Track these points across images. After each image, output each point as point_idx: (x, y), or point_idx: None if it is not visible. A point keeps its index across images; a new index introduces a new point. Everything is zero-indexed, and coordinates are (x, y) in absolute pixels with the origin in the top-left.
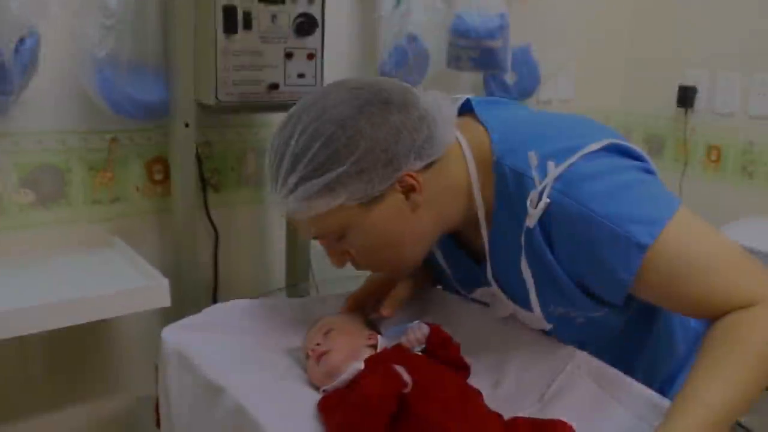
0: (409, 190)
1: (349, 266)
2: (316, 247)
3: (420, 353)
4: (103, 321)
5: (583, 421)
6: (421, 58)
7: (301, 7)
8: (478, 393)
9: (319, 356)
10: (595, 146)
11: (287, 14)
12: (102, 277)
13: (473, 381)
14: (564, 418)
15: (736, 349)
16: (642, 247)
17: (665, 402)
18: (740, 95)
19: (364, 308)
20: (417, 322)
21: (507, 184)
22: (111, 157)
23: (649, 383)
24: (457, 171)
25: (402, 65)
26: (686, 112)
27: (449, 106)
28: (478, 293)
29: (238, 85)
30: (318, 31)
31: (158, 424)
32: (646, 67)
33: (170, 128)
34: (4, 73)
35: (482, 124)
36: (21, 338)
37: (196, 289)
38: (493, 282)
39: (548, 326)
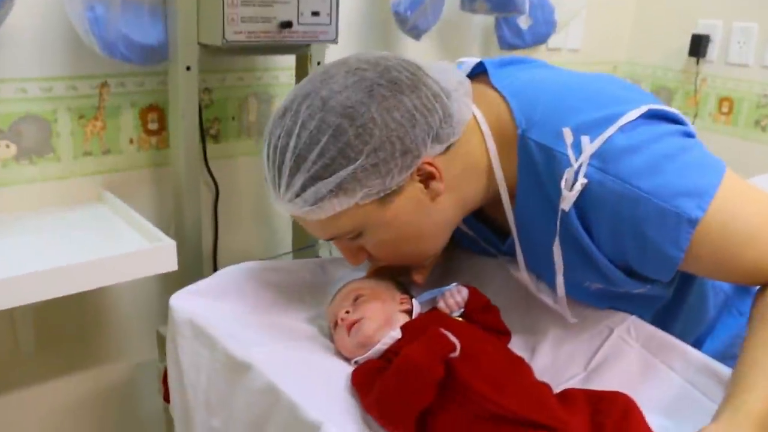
0: (428, 178)
1: None
2: None
3: (459, 318)
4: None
5: (632, 389)
6: None
7: None
8: (525, 362)
9: (351, 326)
10: (632, 115)
11: None
12: (99, 238)
13: (511, 347)
14: (612, 387)
15: None
16: (693, 222)
17: (719, 367)
18: (756, 45)
19: (391, 269)
20: (454, 284)
21: (533, 161)
22: (101, 105)
23: None
24: (475, 149)
25: (417, 5)
26: (698, 62)
27: (463, 79)
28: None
29: (246, 23)
30: None
31: (166, 398)
32: (657, 17)
33: (170, 73)
34: None
35: (498, 92)
36: (11, 308)
37: (196, 249)
38: (520, 263)
39: (570, 320)
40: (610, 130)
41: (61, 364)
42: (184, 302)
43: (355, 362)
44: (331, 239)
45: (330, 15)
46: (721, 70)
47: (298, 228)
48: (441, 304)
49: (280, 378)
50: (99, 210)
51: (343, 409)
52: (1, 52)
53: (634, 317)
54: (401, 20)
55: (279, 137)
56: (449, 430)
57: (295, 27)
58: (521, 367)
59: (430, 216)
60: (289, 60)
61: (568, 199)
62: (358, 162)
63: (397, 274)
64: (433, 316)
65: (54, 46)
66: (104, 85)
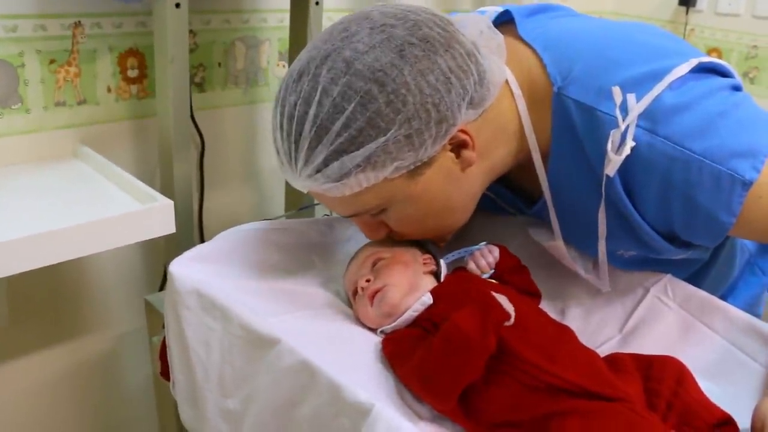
0: (460, 147)
1: None
2: None
3: (491, 280)
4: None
5: (672, 352)
6: None
7: None
8: (569, 327)
9: (373, 295)
10: (682, 69)
11: None
12: (82, 199)
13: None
14: (651, 351)
15: None
16: (747, 185)
17: (764, 325)
18: None
19: None
20: (484, 243)
21: (571, 121)
22: (75, 49)
23: None
24: (505, 110)
25: None
26: (687, 12)
27: (495, 35)
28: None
29: None
30: None
31: (164, 375)
32: None
33: (156, 11)
34: None
35: (529, 45)
36: None
37: (187, 209)
38: (556, 232)
39: (607, 287)
40: (659, 88)
41: (38, 337)
42: (186, 269)
43: (382, 332)
44: (352, 216)
45: None
46: (711, 20)
47: (291, 187)
48: (471, 265)
49: (313, 354)
50: (77, 166)
51: (381, 385)
52: None
53: (669, 276)
54: None
55: (295, 105)
56: (498, 402)
57: None
58: (567, 333)
59: (459, 187)
60: (280, 1)
61: (614, 163)
62: (389, 133)
63: None
64: (464, 278)
65: None
66: (77, 25)
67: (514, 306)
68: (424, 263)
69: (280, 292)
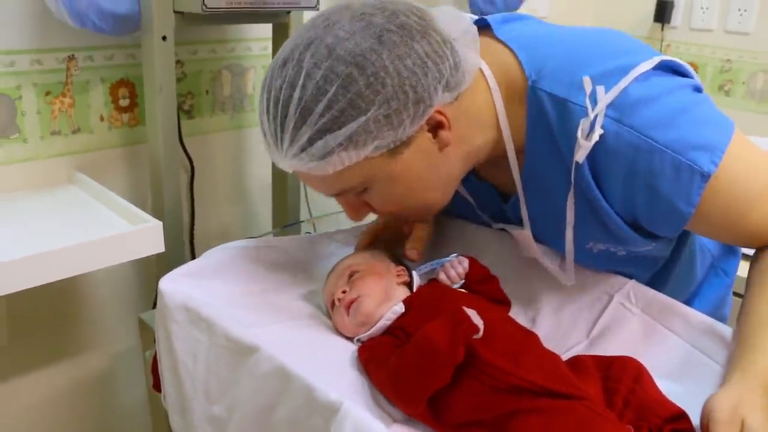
0: (437, 128)
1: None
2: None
3: (460, 290)
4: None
5: (636, 355)
6: None
7: None
8: (533, 332)
9: (349, 305)
10: (645, 65)
11: None
12: (76, 221)
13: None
14: (615, 353)
15: None
16: (705, 177)
17: (722, 328)
18: (719, 11)
19: (382, 243)
20: (454, 255)
21: (544, 113)
22: (69, 81)
23: None
24: (481, 101)
25: None
26: (663, 28)
27: (469, 27)
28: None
29: None
30: None
31: (156, 387)
32: None
33: (144, 44)
34: None
35: (505, 44)
36: None
37: (176, 230)
38: (525, 222)
39: (571, 281)
40: (625, 81)
41: (36, 355)
42: (175, 285)
43: (358, 340)
44: (335, 195)
45: None
46: (686, 35)
47: (278, 206)
48: (442, 276)
49: (289, 360)
50: (72, 192)
51: (354, 388)
52: None
53: (633, 282)
54: None
55: (281, 89)
56: (464, 403)
57: None
58: (532, 338)
59: (438, 167)
60: (263, 30)
61: (584, 149)
62: (369, 113)
63: (391, 247)
64: (435, 288)
65: (16, 16)
66: (71, 58)
67: (481, 316)
68: (398, 274)
69: (263, 304)
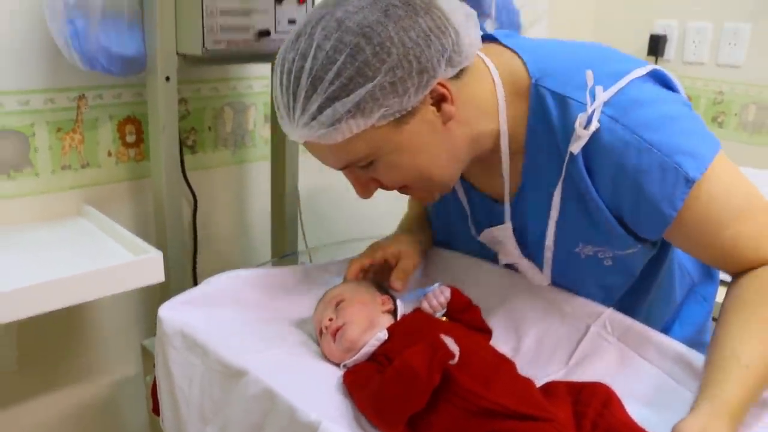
0: (440, 100)
1: (342, 230)
2: (305, 211)
3: (442, 318)
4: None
5: (612, 382)
6: None
7: None
8: (509, 358)
9: (335, 332)
10: (641, 71)
11: None
12: (83, 252)
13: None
14: (592, 380)
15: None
16: (689, 182)
17: (694, 355)
18: (710, 45)
19: (371, 273)
20: (437, 284)
21: (546, 108)
22: (79, 118)
23: None
24: (486, 92)
25: None
26: (656, 61)
27: (470, 12)
28: (487, 235)
29: (226, 32)
30: None
31: (155, 411)
32: (617, 18)
33: (149, 84)
34: None
35: (510, 49)
36: None
37: (178, 260)
38: (508, 219)
39: (546, 281)
40: (622, 83)
41: (44, 381)
42: (174, 313)
43: (344, 366)
44: (344, 168)
45: None
46: (679, 68)
47: (276, 237)
48: (425, 305)
49: (276, 382)
50: (80, 224)
51: (339, 411)
52: None
53: (610, 310)
54: None
55: (293, 60)
56: (440, 425)
57: (273, 35)
58: (506, 363)
59: (441, 142)
60: (263, 69)
61: (581, 140)
62: (376, 80)
63: (379, 277)
64: (418, 317)
65: (31, 59)
66: (82, 97)
67: (458, 344)
68: (383, 303)
69: (257, 331)
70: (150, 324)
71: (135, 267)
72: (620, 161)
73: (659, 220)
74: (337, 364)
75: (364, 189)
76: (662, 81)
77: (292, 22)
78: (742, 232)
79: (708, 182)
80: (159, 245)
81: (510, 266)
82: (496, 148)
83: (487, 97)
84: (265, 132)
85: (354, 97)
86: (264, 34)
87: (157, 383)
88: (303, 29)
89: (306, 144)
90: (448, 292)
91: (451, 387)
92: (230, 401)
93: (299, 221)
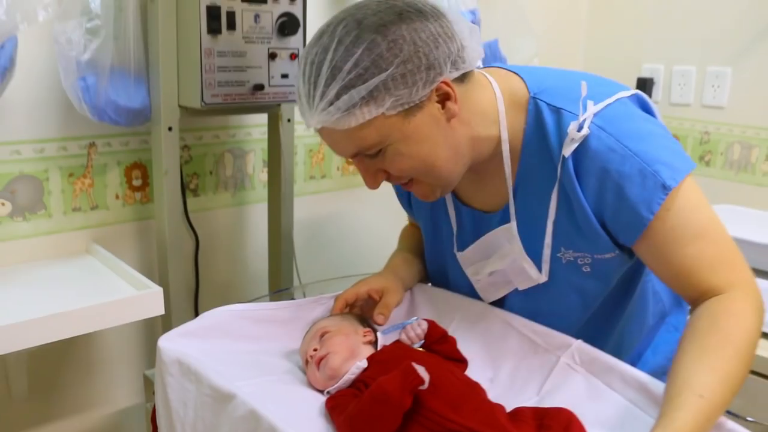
0: (444, 98)
1: (333, 267)
2: (300, 249)
3: (420, 349)
4: (85, 334)
5: (580, 409)
6: None
7: (283, 7)
8: (481, 387)
9: (319, 361)
10: (625, 93)
11: (270, 14)
12: (90, 287)
13: (468, 375)
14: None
15: (722, 341)
16: (666, 189)
17: (655, 384)
18: (695, 87)
19: (357, 307)
20: (415, 318)
21: (542, 118)
22: (90, 164)
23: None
24: (487, 101)
25: None
26: None
27: (473, 27)
28: (470, 250)
29: (223, 87)
30: (300, 30)
31: None
32: (605, 62)
33: (153, 133)
34: None
35: (511, 71)
36: (3, 357)
37: (180, 296)
38: (513, 218)
39: (543, 278)
40: (609, 100)
41: (53, 409)
42: (172, 343)
43: (328, 393)
44: (355, 155)
45: None
46: (667, 110)
47: (273, 274)
48: (403, 337)
49: (261, 405)
50: (88, 261)
51: (314, 426)
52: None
53: (578, 342)
54: None
55: (316, 54)
56: None
57: (267, 89)
58: (476, 390)
59: (445, 137)
60: (261, 118)
61: (573, 143)
62: (388, 71)
63: (363, 312)
64: (396, 347)
65: (46, 111)
66: (92, 145)
67: (430, 371)
68: (364, 335)
69: (248, 361)
70: (152, 355)
71: (137, 301)
72: (605, 166)
73: (637, 223)
74: (321, 391)
75: (373, 179)
76: (642, 105)
77: (285, 76)
78: (703, 253)
79: (679, 196)
80: (161, 282)
81: (495, 275)
82: (493, 155)
83: (488, 105)
84: (263, 176)
85: (368, 86)
86: (258, 88)
87: (156, 408)
88: (326, 28)
89: (322, 131)
90: (425, 325)
91: (422, 410)
92: (220, 423)
93: (293, 259)
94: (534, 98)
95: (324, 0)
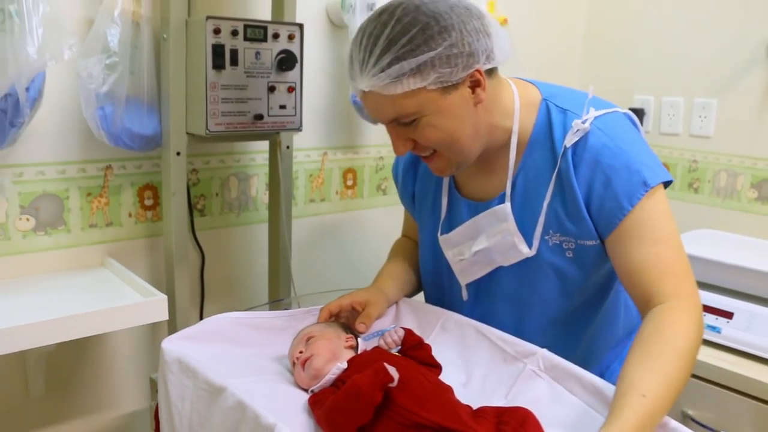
0: (475, 85)
1: (329, 283)
2: (299, 266)
3: (397, 354)
4: (98, 339)
5: (542, 412)
6: None
7: (282, 45)
8: (450, 387)
9: (304, 362)
10: (620, 109)
11: (270, 51)
12: (102, 294)
13: (443, 380)
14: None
15: (665, 346)
16: (647, 185)
17: (609, 389)
18: (683, 117)
19: (343, 317)
20: (393, 326)
21: (550, 117)
22: (106, 185)
23: (586, 367)
24: (506, 97)
25: None
26: None
27: (503, 30)
28: (458, 231)
29: (225, 116)
30: (297, 66)
31: (157, 430)
32: (599, 94)
33: (163, 157)
34: (18, 107)
35: (528, 81)
36: (24, 357)
37: (185, 305)
38: (508, 199)
39: (532, 252)
40: (609, 110)
41: (67, 409)
42: (173, 345)
43: (311, 391)
44: (392, 121)
45: (295, 108)
46: (657, 139)
47: (272, 287)
48: (381, 342)
49: (247, 397)
50: (102, 273)
51: (302, 425)
52: (26, 142)
53: (543, 351)
54: (358, 108)
55: (375, 27)
56: None
57: (266, 119)
58: (443, 390)
59: (470, 118)
60: (264, 144)
61: (577, 134)
62: (437, 51)
63: (347, 321)
64: (375, 351)
65: (68, 137)
66: (108, 167)
67: (401, 372)
68: (346, 340)
69: (242, 362)
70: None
71: (143, 307)
72: (598, 158)
73: (617, 212)
74: (306, 390)
75: (402, 146)
76: (632, 123)
77: (282, 107)
78: (659, 257)
79: (654, 199)
80: (168, 292)
81: (481, 253)
82: (501, 146)
83: (507, 101)
84: (265, 198)
85: (418, 60)
86: (258, 117)
87: (159, 404)
88: (386, 8)
89: (367, 96)
90: (401, 332)
91: (392, 405)
92: (212, 413)
93: (290, 273)
94: (546, 101)
95: (319, 39)
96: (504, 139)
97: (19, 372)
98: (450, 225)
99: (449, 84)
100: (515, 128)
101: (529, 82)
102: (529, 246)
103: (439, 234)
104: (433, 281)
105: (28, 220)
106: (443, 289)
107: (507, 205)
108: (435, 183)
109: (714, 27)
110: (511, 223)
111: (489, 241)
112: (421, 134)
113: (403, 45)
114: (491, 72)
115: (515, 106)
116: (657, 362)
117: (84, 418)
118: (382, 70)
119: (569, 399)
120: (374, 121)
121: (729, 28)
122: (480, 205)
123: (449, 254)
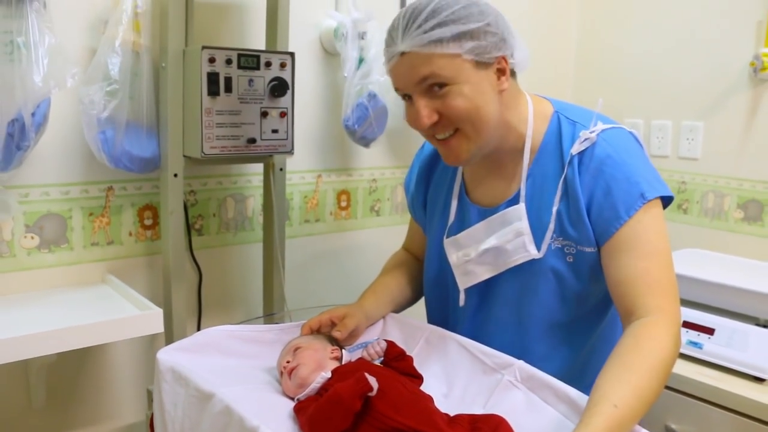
0: (501, 73)
1: (321, 299)
2: (293, 284)
3: (379, 365)
4: (98, 352)
5: (517, 421)
6: (380, 113)
7: (274, 73)
8: (429, 396)
9: (291, 371)
10: (626, 127)
11: (262, 78)
12: (102, 308)
13: (426, 390)
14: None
15: (640, 360)
16: (644, 198)
17: (582, 399)
18: (671, 140)
19: (327, 330)
20: (376, 338)
21: (560, 128)
22: (107, 205)
23: (578, 381)
24: (521, 104)
25: (363, 120)
26: None
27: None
28: (468, 232)
29: (220, 140)
30: (289, 92)
31: None
32: None
33: (161, 179)
34: (24, 132)
35: (542, 97)
36: (26, 369)
37: (182, 320)
38: (522, 200)
39: (540, 255)
40: (615, 125)
41: (67, 421)
42: (168, 355)
43: (298, 399)
44: (423, 81)
45: (287, 132)
46: None
47: (266, 303)
48: (364, 354)
49: (235, 402)
50: (103, 289)
51: (283, 425)
52: (32, 164)
53: (520, 363)
54: (350, 132)
55: (420, 2)
56: None
57: (259, 142)
58: (422, 398)
59: (494, 102)
60: (259, 167)
61: (584, 143)
62: (476, 25)
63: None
64: (358, 362)
65: (71, 159)
66: (110, 188)
67: (381, 381)
68: (332, 351)
69: (233, 372)
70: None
71: (139, 319)
72: (602, 168)
73: (614, 220)
74: (292, 398)
75: (428, 117)
76: (636, 141)
77: (274, 131)
78: (648, 271)
79: (650, 214)
80: (165, 307)
81: (489, 252)
82: (512, 149)
83: (523, 109)
84: (261, 219)
85: (458, 28)
86: (251, 141)
87: (154, 412)
88: None
89: (402, 59)
90: (384, 344)
91: (372, 412)
92: (202, 419)
93: (283, 289)
94: (557, 113)
95: (313, 66)
96: (516, 144)
97: (22, 383)
98: (458, 229)
99: (482, 60)
100: (529, 133)
101: (543, 98)
102: (538, 249)
103: (444, 237)
104: (435, 283)
105: (32, 238)
106: (446, 291)
107: (521, 206)
108: (446, 189)
109: (700, 52)
110: (525, 222)
111: (499, 240)
112: (450, 103)
113: (447, 15)
114: (512, 74)
115: (529, 115)
116: (632, 375)
117: (84, 429)
118: (425, 32)
119: (544, 408)
120: (367, 144)
121: (714, 53)
122: (488, 210)
123: (453, 258)
